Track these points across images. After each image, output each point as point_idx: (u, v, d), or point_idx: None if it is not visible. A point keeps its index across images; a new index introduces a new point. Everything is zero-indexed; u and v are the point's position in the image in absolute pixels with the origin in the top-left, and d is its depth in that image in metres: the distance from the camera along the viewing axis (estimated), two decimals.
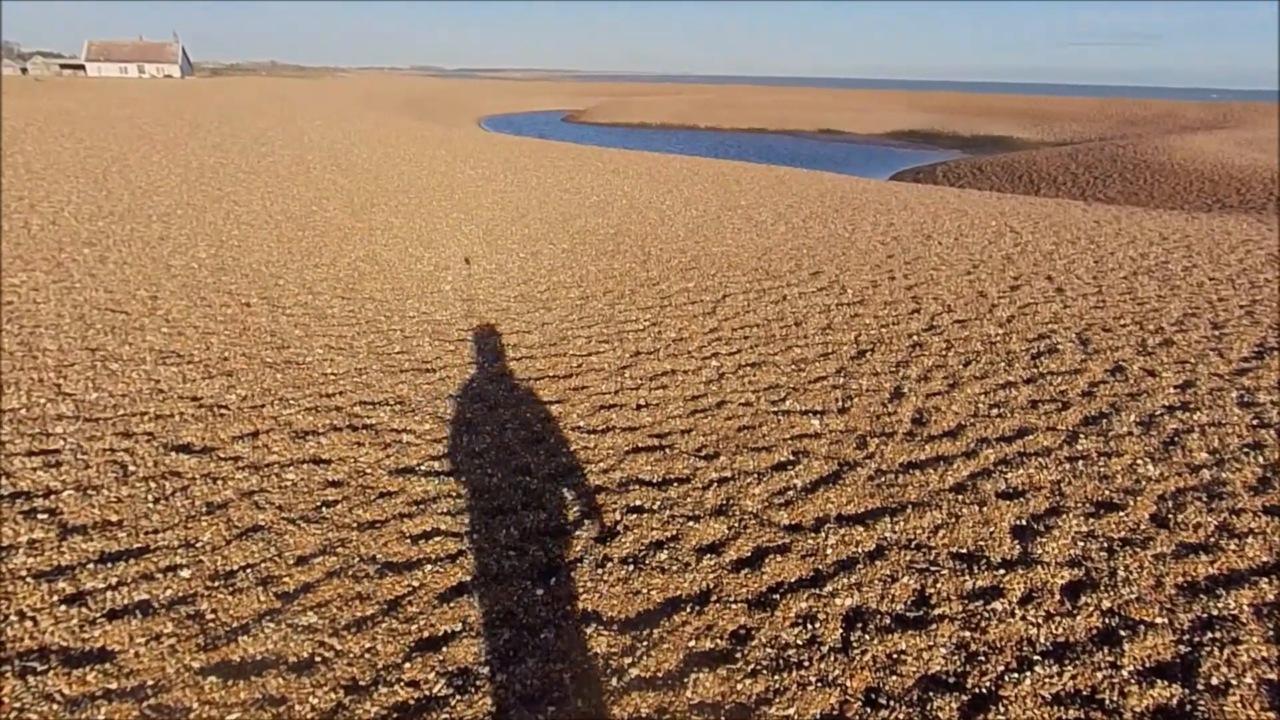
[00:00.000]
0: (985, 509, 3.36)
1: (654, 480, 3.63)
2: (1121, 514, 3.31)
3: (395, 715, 2.27)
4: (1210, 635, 2.59)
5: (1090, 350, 5.43)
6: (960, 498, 3.46)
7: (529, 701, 2.33)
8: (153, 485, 3.42)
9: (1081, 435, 4.06)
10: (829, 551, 3.07)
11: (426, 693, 2.36)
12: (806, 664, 2.48)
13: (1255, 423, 4.22)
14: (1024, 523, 3.26)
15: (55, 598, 2.68)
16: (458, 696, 2.34)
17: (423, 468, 3.69)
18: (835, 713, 2.31)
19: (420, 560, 2.98)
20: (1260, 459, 3.79)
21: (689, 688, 2.39)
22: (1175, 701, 2.33)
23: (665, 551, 3.07)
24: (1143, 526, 3.22)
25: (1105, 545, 3.09)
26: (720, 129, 41.33)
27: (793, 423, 4.24)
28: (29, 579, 2.77)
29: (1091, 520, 3.26)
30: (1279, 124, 30.34)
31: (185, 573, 2.85)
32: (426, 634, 2.60)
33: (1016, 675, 2.43)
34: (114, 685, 2.32)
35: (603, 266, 7.86)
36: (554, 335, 5.72)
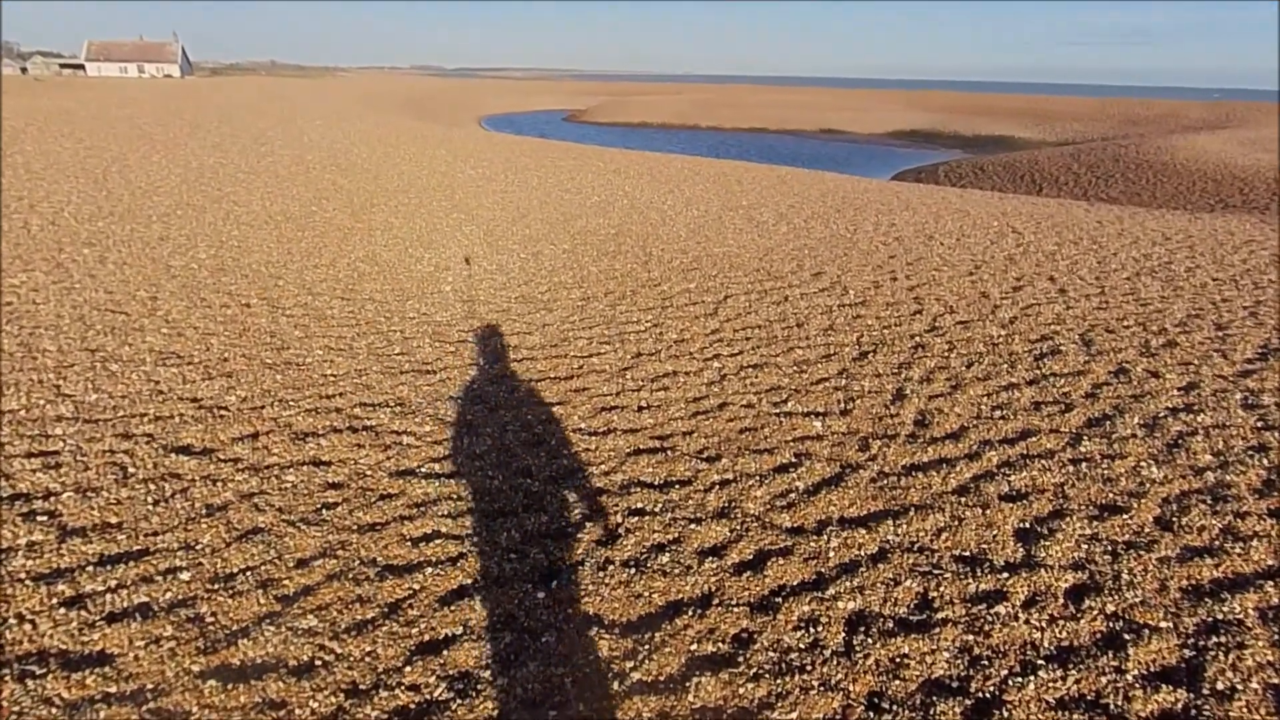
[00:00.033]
0: (988, 512, 3.35)
1: (655, 482, 3.61)
2: (1125, 517, 3.29)
3: (396, 719, 2.26)
4: (1215, 639, 2.57)
5: (1093, 351, 5.41)
6: (963, 500, 3.44)
7: (530, 705, 2.32)
8: (152, 487, 3.41)
9: (1085, 437, 4.05)
10: (831, 554, 3.06)
11: (427, 696, 2.34)
12: (809, 668, 2.47)
13: (1260, 425, 4.20)
14: (1027, 525, 3.24)
15: (54, 600, 2.67)
16: (459, 700, 2.33)
17: (423, 470, 3.68)
18: (838, 717, 2.29)
19: (421, 563, 2.97)
20: (1265, 461, 3.78)
21: (691, 692, 2.38)
22: (1180, 706, 2.32)
23: (667, 554, 3.06)
24: (1147, 529, 3.21)
25: (1109, 548, 3.07)
26: (721, 129, 41.30)
27: (795, 424, 4.23)
28: (28, 581, 2.76)
29: (1095, 523, 3.25)
30: None
31: (185, 575, 2.84)
32: (427, 637, 2.59)
33: (1020, 679, 2.42)
34: (113, 689, 2.31)
35: (604, 267, 7.85)
36: (555, 336, 5.71)
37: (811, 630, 2.64)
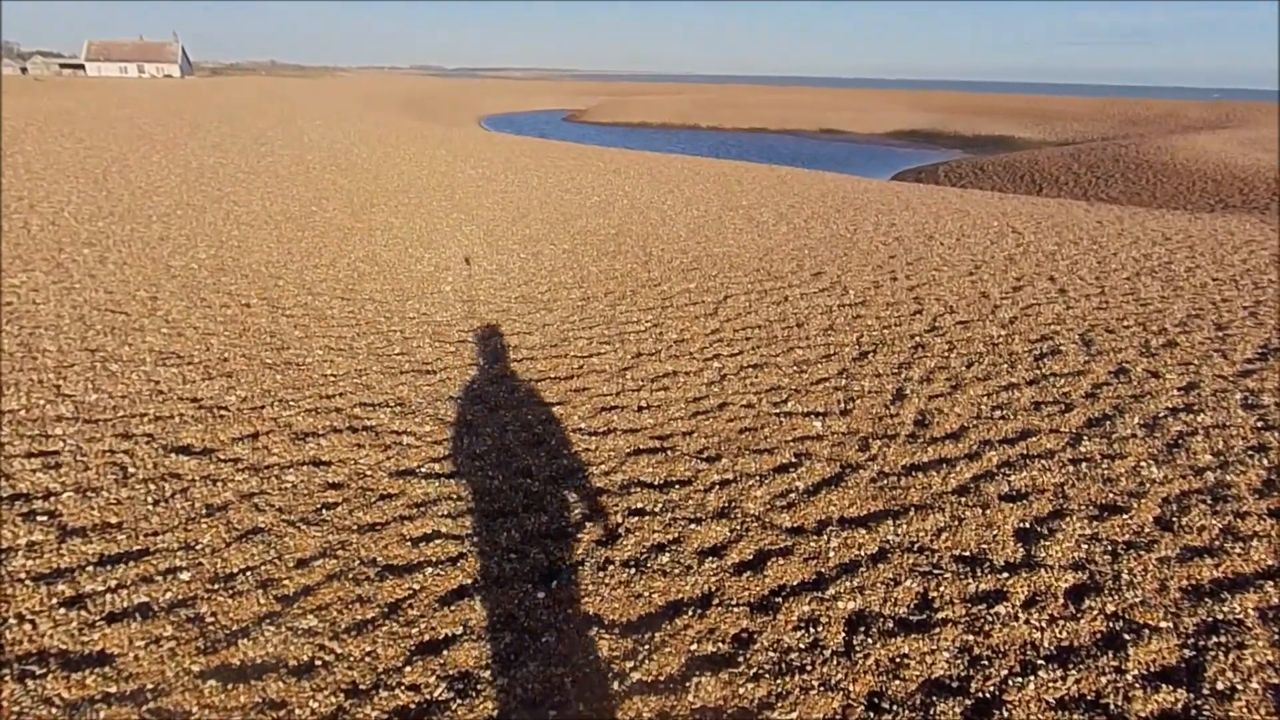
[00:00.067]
0: (988, 512, 3.35)
1: (656, 482, 3.61)
2: (1125, 517, 3.29)
3: (396, 719, 2.26)
4: (1215, 639, 2.57)
5: (1093, 351, 5.41)
6: (963, 500, 3.44)
7: (530, 705, 2.32)
8: (152, 487, 3.41)
9: (1085, 437, 4.05)
10: (831, 554, 3.06)
11: (427, 696, 2.35)
12: (809, 668, 2.47)
13: (1259, 425, 4.20)
14: (1027, 525, 3.24)
15: (54, 600, 2.67)
16: (459, 700, 2.33)
17: (423, 470, 3.68)
18: (838, 717, 2.29)
19: (421, 563, 2.97)
20: (1265, 461, 3.78)
21: (691, 692, 2.38)
22: (1180, 706, 2.32)
23: (667, 554, 3.06)
24: (1147, 529, 3.21)
25: (1109, 548, 3.07)
26: (721, 129, 41.31)
27: (795, 424, 4.23)
28: (28, 581, 2.76)
29: (1095, 523, 3.25)
30: None
31: (185, 575, 2.84)
32: (427, 637, 2.59)
33: (1020, 679, 2.42)
34: (113, 689, 2.31)
35: (604, 267, 7.85)
36: (555, 336, 5.71)
37: (811, 630, 2.64)
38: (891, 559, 3.02)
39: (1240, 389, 4.72)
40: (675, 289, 7.07)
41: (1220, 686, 2.38)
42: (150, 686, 2.33)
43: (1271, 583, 2.86)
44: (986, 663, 2.49)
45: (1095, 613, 2.71)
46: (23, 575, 2.79)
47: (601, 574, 2.93)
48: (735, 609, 2.74)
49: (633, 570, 2.96)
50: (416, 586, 2.83)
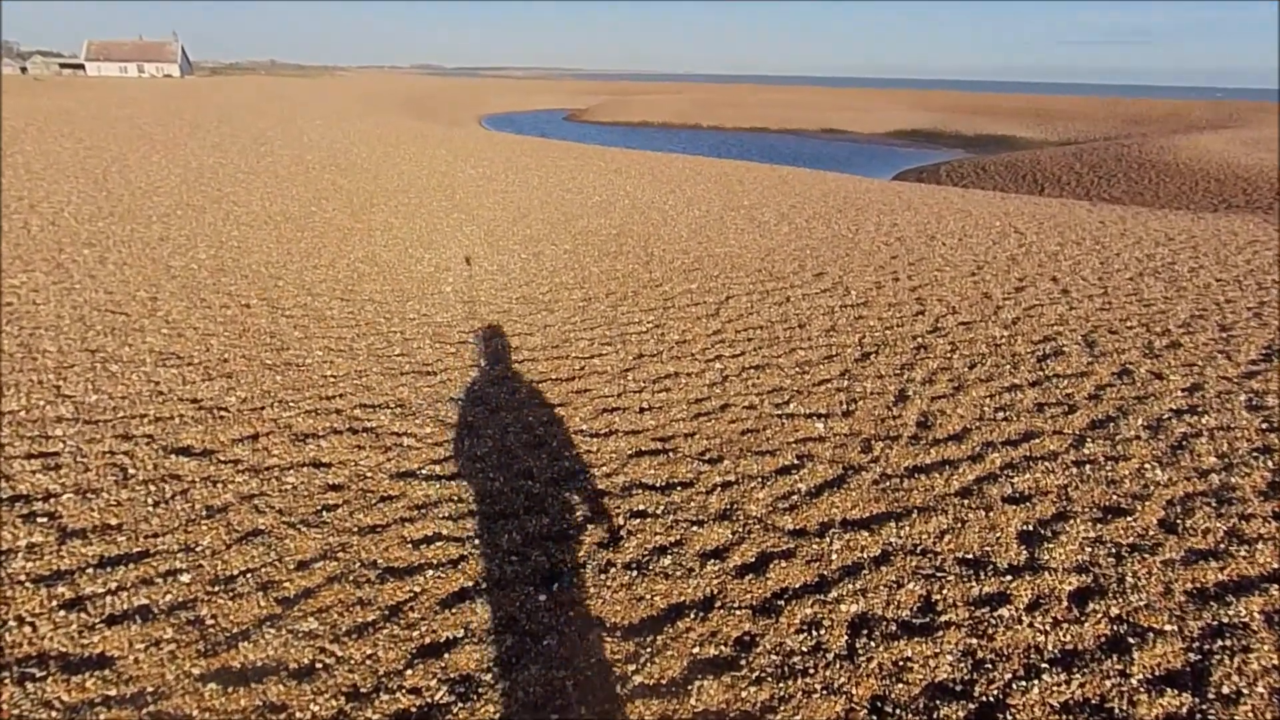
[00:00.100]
0: (991, 514, 3.33)
1: (657, 484, 3.60)
2: (1129, 519, 3.28)
3: None
4: (1220, 643, 2.56)
5: (1096, 353, 5.39)
6: (966, 502, 3.43)
7: (532, 709, 2.31)
8: (152, 488, 3.40)
9: (1088, 439, 4.03)
10: (834, 557, 3.04)
11: (428, 700, 2.33)
12: (812, 671, 2.46)
13: (1264, 426, 4.18)
14: (1031, 528, 3.23)
15: (54, 603, 2.66)
16: (460, 704, 2.32)
17: (424, 471, 3.67)
18: None
19: (422, 565, 2.96)
20: (1270, 463, 3.76)
21: (693, 695, 2.37)
22: (1185, 710, 2.30)
23: (669, 557, 3.05)
24: (1151, 532, 3.19)
25: (1113, 551, 3.06)
26: (723, 128, 41.28)
27: (797, 426, 4.21)
28: (28, 583, 2.75)
29: (1099, 525, 3.23)
30: None
31: (185, 577, 2.82)
32: (428, 640, 2.58)
33: (1024, 683, 2.40)
34: (113, 692, 2.30)
35: (605, 267, 7.84)
36: (556, 337, 5.70)
37: (814, 633, 2.62)
38: (894, 561, 3.01)
39: (1245, 390, 4.71)
40: (677, 289, 7.05)
41: (1226, 690, 2.37)
42: (150, 689, 2.32)
43: (1277, 586, 2.84)
44: (990, 666, 2.47)
45: (1099, 616, 2.69)
46: (22, 577, 2.78)
47: (603, 576, 2.92)
48: (737, 612, 2.73)
49: (634, 573, 2.94)
50: (417, 589, 2.82)
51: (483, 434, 4.07)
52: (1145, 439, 4.03)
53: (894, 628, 2.65)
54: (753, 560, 3.03)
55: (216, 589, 2.77)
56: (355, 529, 3.17)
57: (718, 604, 2.77)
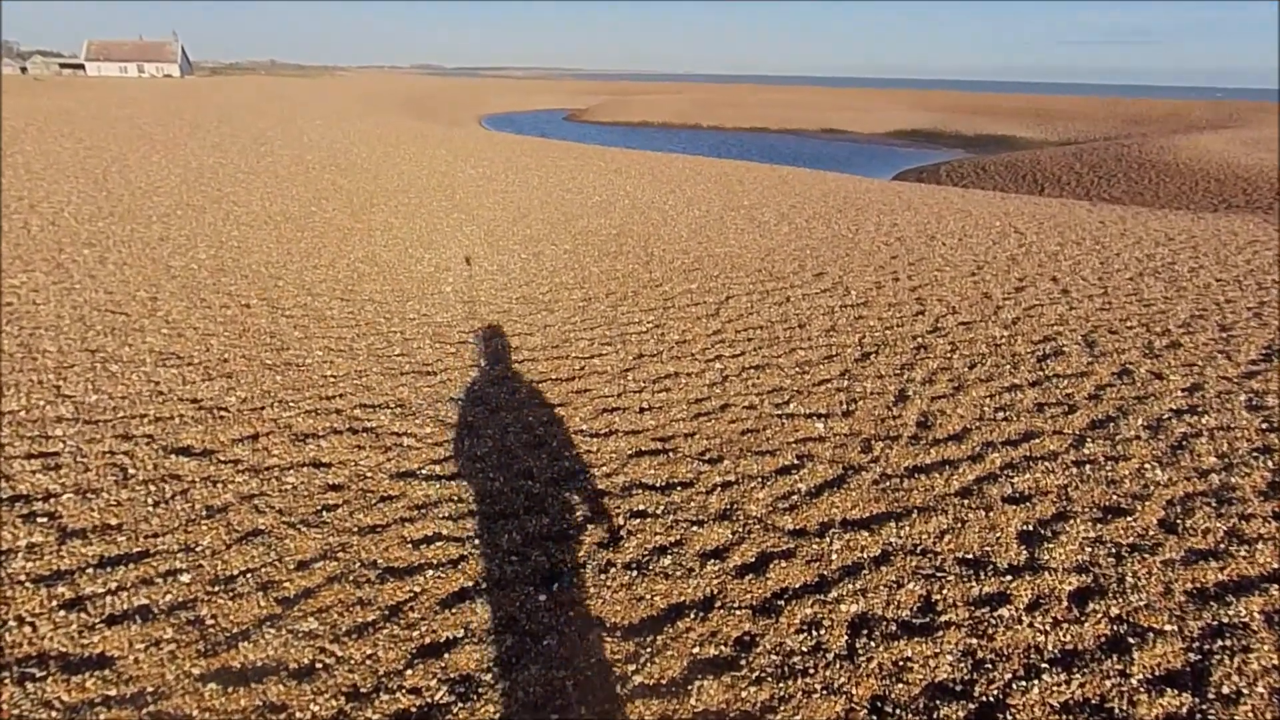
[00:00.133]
0: (991, 514, 3.33)
1: (657, 484, 3.60)
2: (1129, 519, 3.28)
3: None
4: (1220, 643, 2.56)
5: (1096, 353, 5.39)
6: (966, 502, 3.43)
7: (532, 708, 2.31)
8: (152, 488, 3.40)
9: (1088, 439, 4.03)
10: (834, 557, 3.04)
11: (428, 700, 2.33)
12: (812, 671, 2.46)
13: (1264, 426, 4.18)
14: (1031, 528, 3.23)
15: (54, 603, 2.66)
16: (460, 704, 2.32)
17: (424, 471, 3.67)
18: None
19: (422, 565, 2.96)
20: (1270, 463, 3.76)
21: (693, 695, 2.36)
22: (1185, 710, 2.30)
23: (669, 557, 3.05)
24: (1151, 532, 3.19)
25: (1113, 551, 3.06)
26: (723, 128, 41.28)
27: (797, 426, 4.21)
28: (28, 583, 2.75)
29: (1099, 526, 3.23)
30: None
31: (185, 577, 2.82)
32: (428, 640, 2.58)
33: (1024, 683, 2.40)
34: (113, 692, 2.30)
35: (605, 267, 7.84)
36: (556, 337, 5.70)
37: (814, 633, 2.62)
38: (894, 561, 3.01)
39: (1245, 390, 4.71)
40: (677, 289, 7.05)
41: (1226, 691, 2.37)
42: (150, 689, 2.32)
43: (1276, 586, 2.84)
44: (990, 666, 2.47)
45: (1099, 616, 2.69)
46: (22, 577, 2.78)
47: (603, 576, 2.92)
48: (737, 612, 2.73)
49: (634, 573, 2.94)
50: (417, 589, 2.82)
51: (483, 434, 4.07)
52: (1145, 439, 4.03)
53: (894, 628, 2.65)
54: (753, 560, 3.03)
55: (216, 589, 2.77)
56: (355, 529, 3.17)
57: (718, 604, 2.77)
